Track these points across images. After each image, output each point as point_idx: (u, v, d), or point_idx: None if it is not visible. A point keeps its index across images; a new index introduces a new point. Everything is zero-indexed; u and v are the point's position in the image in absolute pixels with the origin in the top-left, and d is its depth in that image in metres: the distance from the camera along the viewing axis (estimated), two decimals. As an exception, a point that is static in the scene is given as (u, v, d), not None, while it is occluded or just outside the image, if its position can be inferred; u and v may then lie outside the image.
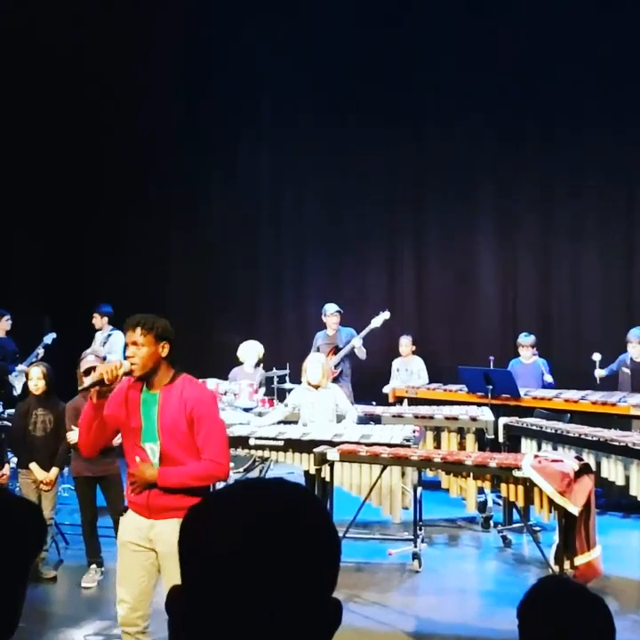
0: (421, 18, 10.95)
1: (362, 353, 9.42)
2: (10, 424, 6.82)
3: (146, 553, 3.94)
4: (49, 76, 11.44)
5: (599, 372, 8.79)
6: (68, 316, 10.51)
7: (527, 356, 9.26)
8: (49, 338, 9.72)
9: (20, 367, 9.21)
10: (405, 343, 9.91)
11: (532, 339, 9.28)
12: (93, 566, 6.14)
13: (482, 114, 10.89)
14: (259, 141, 12.08)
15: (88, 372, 5.99)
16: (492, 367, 8.75)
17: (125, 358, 3.91)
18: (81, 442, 4.06)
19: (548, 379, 9.05)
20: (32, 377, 6.27)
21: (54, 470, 6.20)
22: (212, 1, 11.66)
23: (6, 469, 6.20)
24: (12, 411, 6.94)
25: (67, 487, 8.07)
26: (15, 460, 6.53)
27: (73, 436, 6.02)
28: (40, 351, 9.57)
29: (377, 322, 9.48)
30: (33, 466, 6.18)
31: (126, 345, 3.81)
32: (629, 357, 8.71)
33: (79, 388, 4.20)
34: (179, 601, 1.13)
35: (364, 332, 9.43)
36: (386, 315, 9.51)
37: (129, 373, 3.80)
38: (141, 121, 11.78)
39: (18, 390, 8.97)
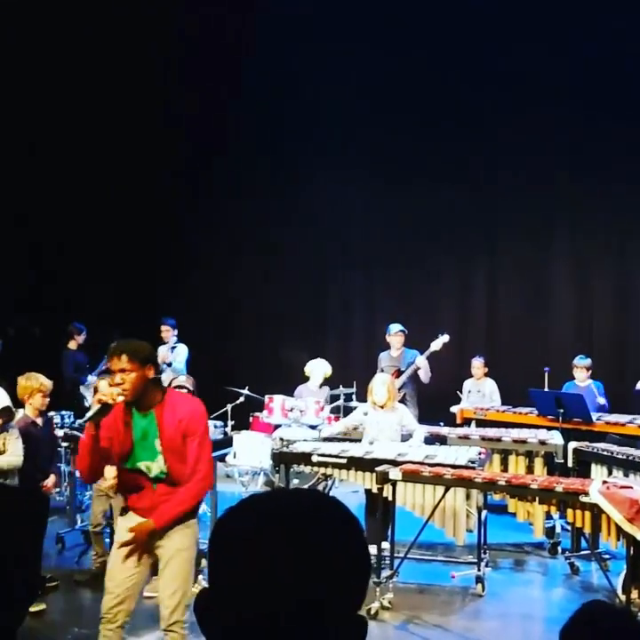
0: (492, 50, 10.92)
1: (426, 376, 9.22)
2: (79, 434, 6.93)
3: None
4: (120, 114, 11.83)
5: None
6: (137, 331, 10.69)
7: (582, 379, 9.07)
8: None
9: (91, 378, 9.41)
10: (477, 365, 9.80)
11: (588, 361, 9.08)
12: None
13: (559, 144, 10.83)
14: (326, 167, 11.79)
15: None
16: (547, 376, 8.89)
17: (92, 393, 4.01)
18: (81, 470, 4.12)
19: (601, 400, 8.83)
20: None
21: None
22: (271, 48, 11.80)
23: (51, 480, 6.25)
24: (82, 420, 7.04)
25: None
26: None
27: None
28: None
29: (436, 345, 9.35)
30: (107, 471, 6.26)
31: (113, 372, 3.89)
32: None
33: (82, 421, 4.33)
34: (205, 603, 1.13)
35: (425, 355, 9.26)
36: (445, 338, 9.37)
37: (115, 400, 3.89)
38: (203, 146, 12.01)
39: (89, 401, 9.15)
